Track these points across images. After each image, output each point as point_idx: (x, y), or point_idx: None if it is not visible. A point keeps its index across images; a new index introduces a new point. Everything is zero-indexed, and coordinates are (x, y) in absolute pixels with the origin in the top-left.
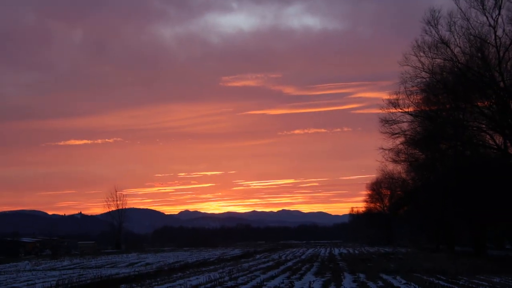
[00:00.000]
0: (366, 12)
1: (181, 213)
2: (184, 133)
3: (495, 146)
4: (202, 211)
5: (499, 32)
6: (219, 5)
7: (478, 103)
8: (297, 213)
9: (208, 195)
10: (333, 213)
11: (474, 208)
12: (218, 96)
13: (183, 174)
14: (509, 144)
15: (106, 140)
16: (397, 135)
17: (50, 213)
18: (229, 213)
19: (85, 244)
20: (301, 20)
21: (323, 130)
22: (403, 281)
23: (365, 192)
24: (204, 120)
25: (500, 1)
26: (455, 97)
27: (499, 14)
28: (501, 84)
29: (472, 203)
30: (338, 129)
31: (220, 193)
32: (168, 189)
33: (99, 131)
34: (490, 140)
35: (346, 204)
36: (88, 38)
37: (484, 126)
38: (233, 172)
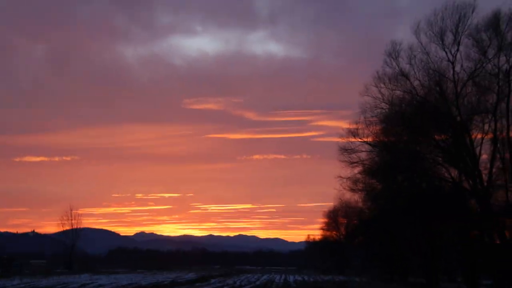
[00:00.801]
0: (330, 42)
1: (136, 234)
2: (143, 154)
3: (450, 179)
4: (158, 233)
5: (457, 67)
6: (183, 28)
7: (435, 136)
8: (254, 238)
9: (165, 217)
10: (289, 240)
11: (425, 224)
12: (179, 118)
13: (140, 195)
14: (463, 178)
15: (64, 157)
16: (355, 164)
17: (2, 230)
18: (185, 236)
19: (37, 263)
20: (265, 46)
21: (282, 156)
22: None
23: (322, 220)
24: (164, 142)
25: (459, 38)
26: (413, 129)
27: (457, 50)
28: (458, 118)
29: (423, 220)
30: (298, 156)
31: (177, 216)
32: (125, 209)
33: (57, 148)
34: (445, 173)
35: (303, 231)
36: (50, 54)
37: (440, 159)
38: (191, 195)
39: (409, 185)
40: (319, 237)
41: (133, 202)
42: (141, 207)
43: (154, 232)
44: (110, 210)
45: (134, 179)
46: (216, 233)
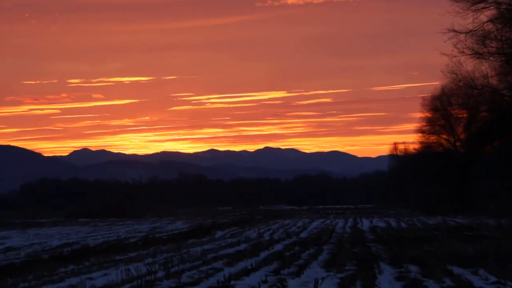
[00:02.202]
0: None
1: (74, 153)
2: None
3: None
4: (115, 150)
5: None
6: None
7: None
8: (292, 153)
9: (127, 121)
10: (359, 155)
11: None
12: None
13: (77, 81)
14: None
15: None
16: (483, 5)
17: None
18: (166, 153)
19: None
20: None
21: None
22: (492, 279)
23: (419, 115)
24: None
25: None
26: None
27: None
28: None
29: None
30: None
31: (148, 118)
32: (52, 108)
33: None
34: None
35: (383, 137)
36: None
37: None
38: (172, 77)
39: None
40: (416, 147)
41: (64, 96)
42: (81, 103)
43: (108, 149)
44: (23, 109)
45: (65, 49)
46: (221, 147)
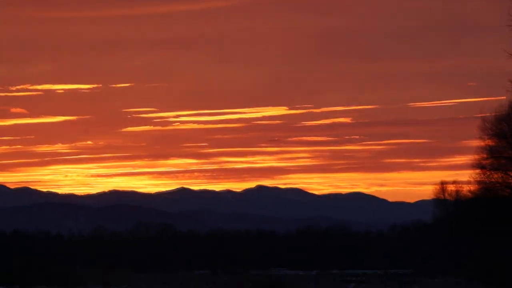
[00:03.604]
0: None
1: None
2: None
3: None
4: (43, 188)
5: None
6: None
7: None
8: (295, 194)
9: (60, 147)
10: (390, 199)
11: None
12: None
13: None
14: None
15: None
16: None
17: None
18: (116, 193)
19: None
20: None
21: None
22: None
23: (476, 143)
24: None
25: None
26: None
27: None
28: None
29: None
30: None
31: (90, 143)
32: None
33: None
34: None
35: (424, 174)
36: None
37: None
38: (125, 85)
39: None
40: (470, 188)
41: None
42: None
43: (33, 187)
44: None
45: None
46: (195, 186)
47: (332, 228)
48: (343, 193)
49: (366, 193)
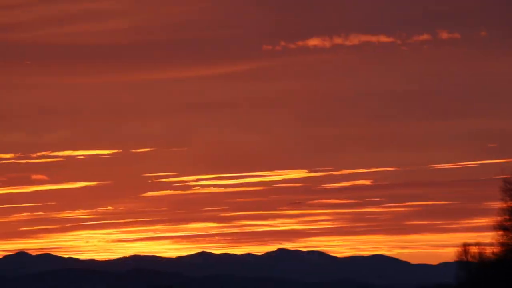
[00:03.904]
0: None
1: (5, 260)
2: None
3: None
4: (65, 254)
5: None
6: None
7: None
8: (316, 257)
9: (81, 213)
10: (412, 261)
11: None
12: None
13: (8, 156)
14: None
15: None
16: None
17: None
18: (137, 258)
19: None
20: None
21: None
22: None
23: (498, 205)
24: None
25: None
26: None
27: None
28: None
29: None
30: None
31: (111, 208)
32: None
33: None
34: None
35: (447, 236)
36: None
37: None
38: (145, 150)
39: None
40: (493, 250)
41: None
42: (16, 187)
43: (54, 253)
44: None
45: None
46: (217, 250)
47: None
48: (365, 255)
49: (388, 255)
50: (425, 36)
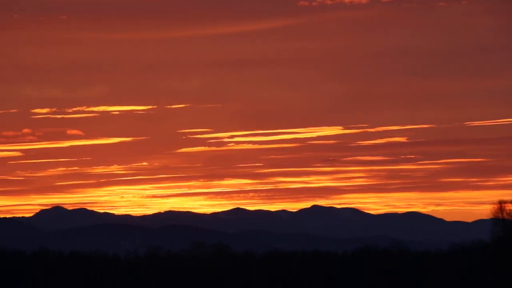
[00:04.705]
0: None
1: (42, 213)
2: None
3: None
4: (100, 209)
5: None
6: None
7: None
8: (350, 213)
9: (116, 169)
10: (447, 218)
11: None
12: None
13: (44, 111)
14: None
15: None
16: None
17: None
18: (172, 213)
19: None
20: None
21: None
22: None
23: None
24: None
25: None
26: None
27: None
28: None
29: None
30: None
31: (146, 164)
32: (10, 149)
33: None
34: None
35: (483, 193)
36: None
37: None
38: (180, 106)
39: None
40: None
41: (27, 131)
42: (51, 142)
43: (90, 208)
44: None
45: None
46: (251, 206)
47: (391, 250)
48: (400, 212)
49: (423, 213)
50: None
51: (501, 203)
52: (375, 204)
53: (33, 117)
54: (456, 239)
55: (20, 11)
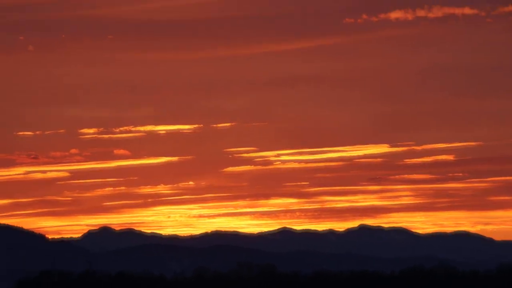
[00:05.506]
0: None
1: (89, 235)
2: None
3: None
4: (147, 230)
5: None
6: None
7: None
8: (398, 234)
9: (162, 189)
10: (496, 237)
11: None
12: None
13: (92, 131)
14: None
15: None
16: None
17: None
18: (218, 234)
19: None
20: None
21: None
22: None
23: None
24: None
25: None
26: None
27: None
28: None
29: None
30: None
31: (192, 183)
32: (57, 170)
33: None
34: None
35: None
36: None
37: None
38: (226, 125)
39: None
40: None
41: (74, 151)
42: (98, 162)
43: (137, 228)
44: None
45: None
46: (297, 225)
47: (437, 269)
48: (448, 232)
49: (472, 232)
50: (511, 8)
51: None
52: (422, 223)
53: (80, 137)
54: (506, 259)
55: (67, 32)
